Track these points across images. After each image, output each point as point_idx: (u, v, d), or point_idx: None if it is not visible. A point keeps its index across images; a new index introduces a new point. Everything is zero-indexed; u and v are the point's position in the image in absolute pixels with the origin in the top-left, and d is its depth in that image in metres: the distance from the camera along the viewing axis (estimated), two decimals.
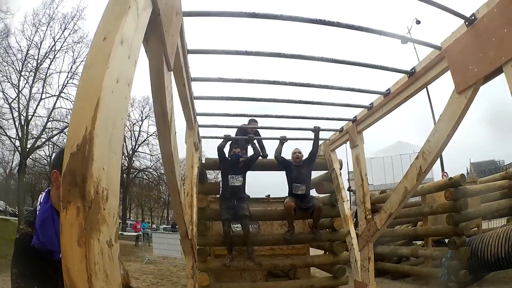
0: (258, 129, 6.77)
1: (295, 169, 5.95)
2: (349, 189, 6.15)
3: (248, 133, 6.43)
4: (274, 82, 3.98)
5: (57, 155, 1.94)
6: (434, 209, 7.31)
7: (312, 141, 5.89)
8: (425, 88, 4.09)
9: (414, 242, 9.15)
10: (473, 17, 2.88)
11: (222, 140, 5.90)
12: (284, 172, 6.22)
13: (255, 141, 6.20)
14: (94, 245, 0.98)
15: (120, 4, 1.25)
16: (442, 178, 15.30)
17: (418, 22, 20.31)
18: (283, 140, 5.93)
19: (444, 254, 6.68)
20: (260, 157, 6.26)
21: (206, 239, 5.91)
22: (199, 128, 5.31)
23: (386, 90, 4.31)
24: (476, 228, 7.79)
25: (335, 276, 6.39)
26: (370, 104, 4.69)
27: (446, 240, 7.08)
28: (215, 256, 6.41)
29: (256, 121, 6.56)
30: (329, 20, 2.85)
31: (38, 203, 1.78)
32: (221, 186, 6.31)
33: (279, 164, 6.05)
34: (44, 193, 1.83)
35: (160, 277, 10.23)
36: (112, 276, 1.09)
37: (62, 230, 0.98)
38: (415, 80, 3.80)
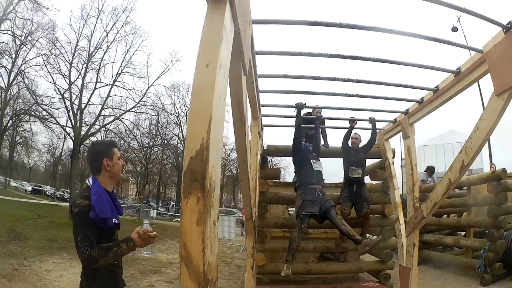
0: (323, 118, 6.20)
1: (354, 153, 5.91)
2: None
3: (312, 122, 6.05)
4: (334, 79, 4.08)
5: (102, 146, 2.27)
6: (477, 201, 7.13)
7: (370, 130, 5.82)
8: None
9: (458, 232, 8.87)
10: (509, 25, 2.86)
11: (295, 114, 5.36)
12: (331, 159, 6.25)
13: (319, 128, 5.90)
14: (207, 224, 1.23)
15: (216, 34, 1.43)
16: (490, 169, 14.50)
17: (455, 29, 18.30)
18: (352, 122, 5.69)
19: (483, 246, 6.52)
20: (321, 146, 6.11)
21: (265, 221, 6.06)
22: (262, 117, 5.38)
23: (435, 87, 4.27)
24: None
25: (382, 260, 6.36)
26: (421, 99, 4.66)
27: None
28: (271, 238, 6.49)
29: (320, 109, 6.03)
30: (384, 27, 2.94)
31: (90, 184, 2.10)
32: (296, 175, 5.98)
33: (344, 151, 5.96)
34: (91, 177, 2.16)
35: None
36: (214, 248, 1.35)
37: (183, 214, 1.24)
38: (461, 79, 3.79)
